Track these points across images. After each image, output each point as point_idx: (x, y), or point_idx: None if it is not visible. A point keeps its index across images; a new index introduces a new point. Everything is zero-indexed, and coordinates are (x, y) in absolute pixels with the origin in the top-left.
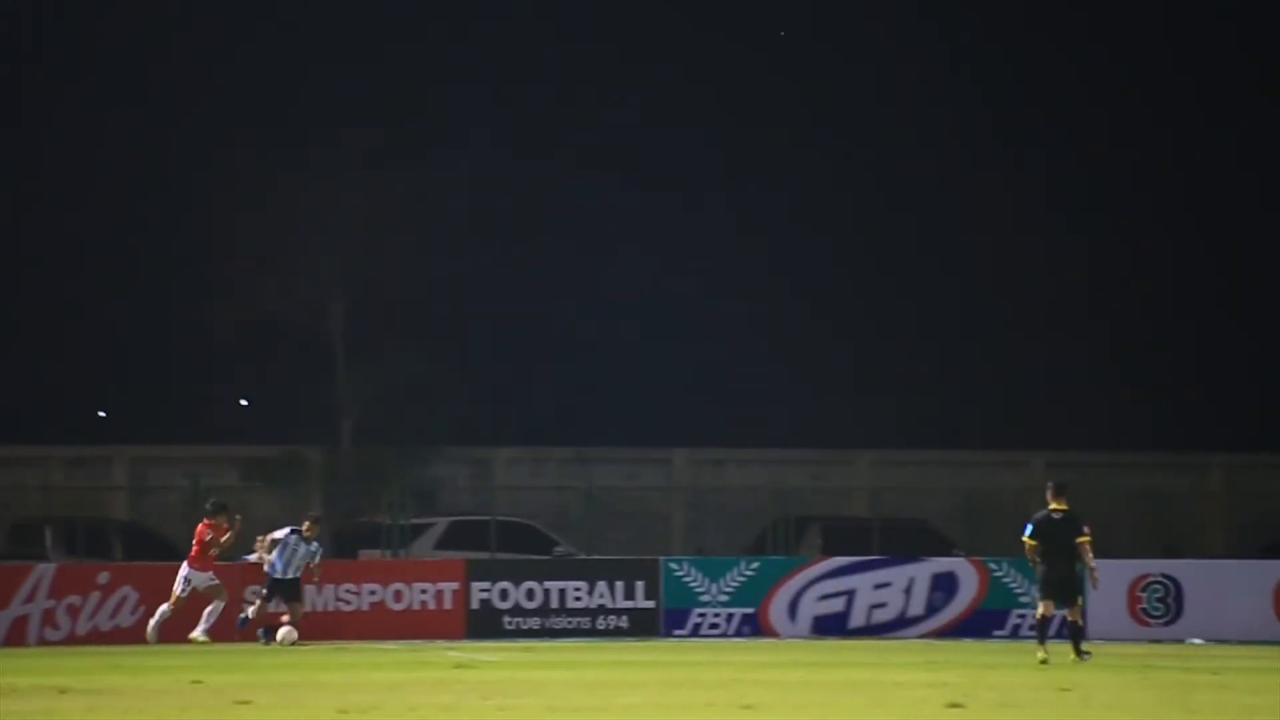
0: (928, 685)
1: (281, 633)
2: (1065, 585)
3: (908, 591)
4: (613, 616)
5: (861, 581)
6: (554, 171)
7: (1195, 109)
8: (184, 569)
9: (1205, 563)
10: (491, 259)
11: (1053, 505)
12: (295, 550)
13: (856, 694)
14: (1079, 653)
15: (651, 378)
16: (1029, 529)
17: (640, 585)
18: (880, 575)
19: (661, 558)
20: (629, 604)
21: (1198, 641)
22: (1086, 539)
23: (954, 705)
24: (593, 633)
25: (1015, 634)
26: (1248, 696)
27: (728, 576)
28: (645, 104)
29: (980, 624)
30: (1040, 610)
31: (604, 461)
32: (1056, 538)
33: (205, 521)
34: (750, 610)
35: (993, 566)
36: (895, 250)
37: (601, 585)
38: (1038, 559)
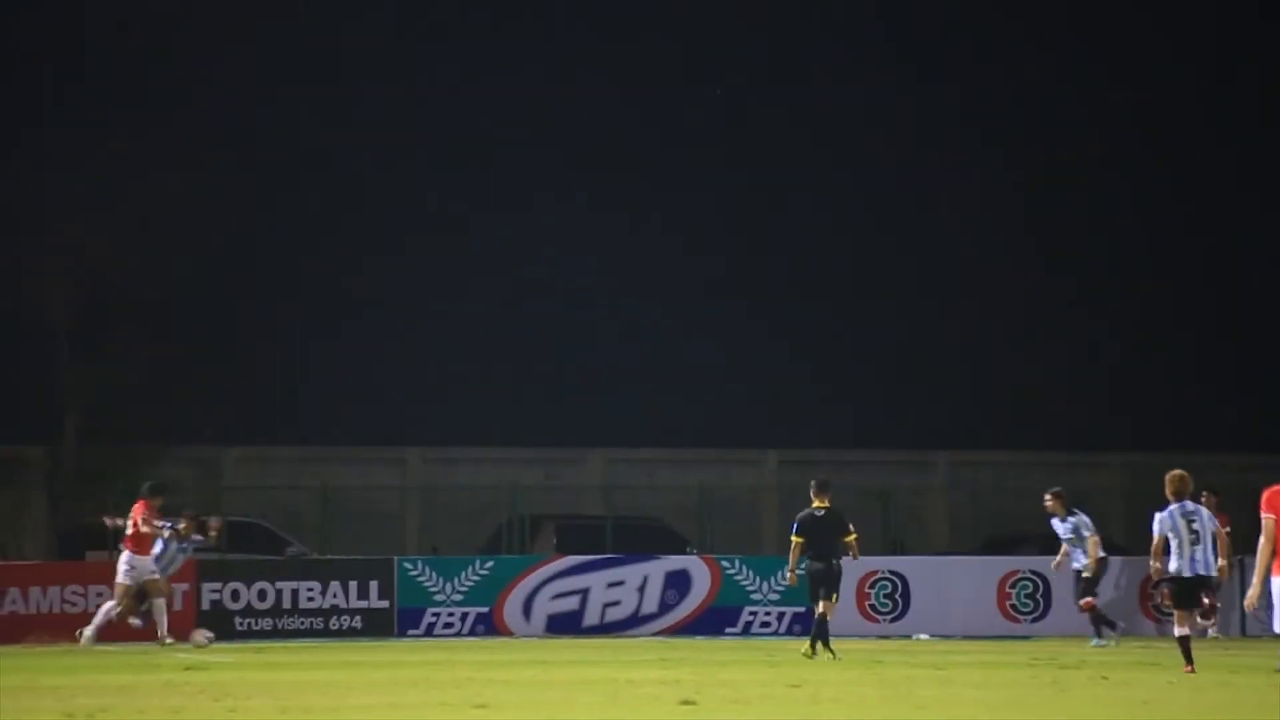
0: (660, 683)
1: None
2: (828, 582)
3: (641, 589)
4: (346, 617)
5: (595, 580)
6: (283, 172)
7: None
8: (125, 555)
9: (931, 559)
10: (226, 255)
11: (816, 503)
12: (167, 548)
13: (590, 692)
14: (826, 648)
15: (385, 377)
16: (795, 527)
17: (374, 585)
18: (614, 574)
19: (395, 557)
20: (363, 604)
21: (924, 637)
22: (854, 536)
23: (686, 703)
24: (326, 633)
25: (747, 631)
26: (971, 690)
27: (462, 576)
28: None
29: (713, 621)
30: (820, 609)
31: (337, 461)
32: (821, 535)
33: (142, 501)
34: (485, 609)
35: (725, 564)
36: (634, 252)
37: (335, 585)
38: (801, 557)
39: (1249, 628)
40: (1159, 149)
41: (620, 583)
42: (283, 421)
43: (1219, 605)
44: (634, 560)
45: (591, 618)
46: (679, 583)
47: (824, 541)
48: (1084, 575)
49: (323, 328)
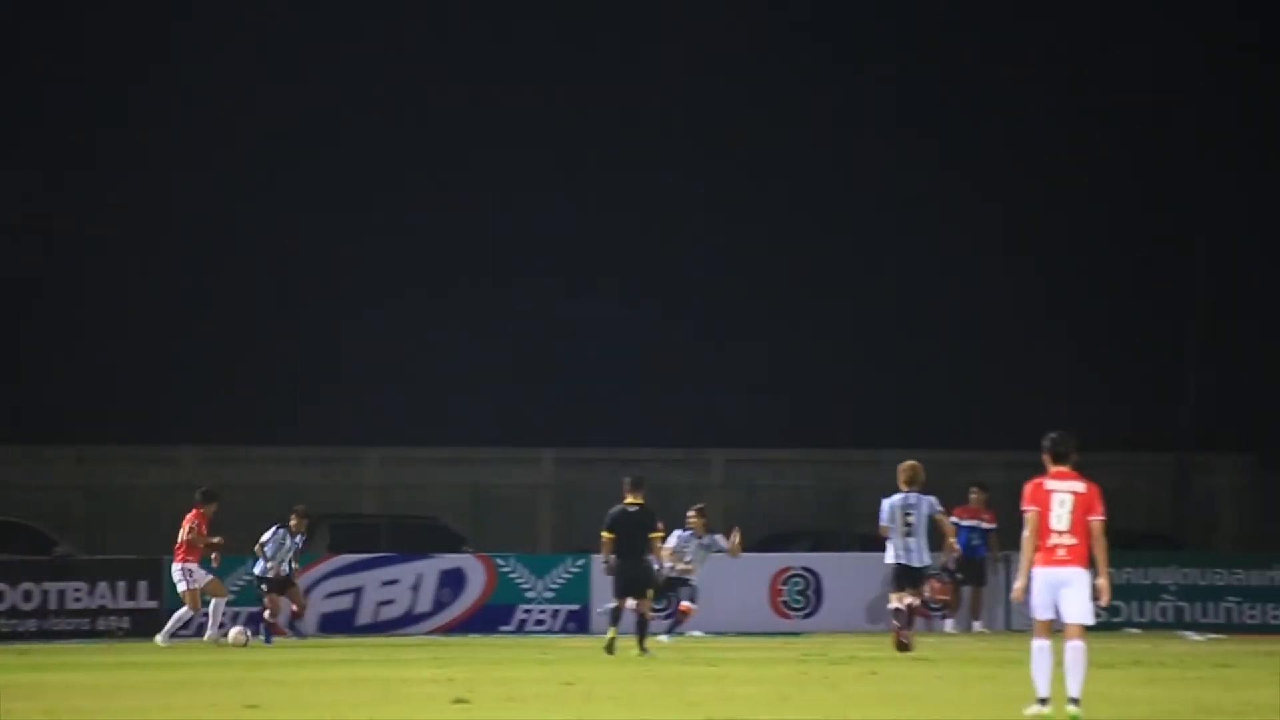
0: (434, 681)
1: (233, 633)
2: (638, 579)
3: (415, 588)
4: (114, 617)
5: (369, 578)
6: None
7: None
8: (177, 566)
9: (711, 557)
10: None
11: (629, 499)
12: (282, 545)
13: (362, 691)
14: (642, 647)
15: (158, 376)
16: (607, 522)
17: (143, 585)
18: (388, 572)
19: (165, 557)
20: (131, 604)
21: (697, 634)
22: (659, 534)
23: (459, 701)
24: (94, 634)
25: (521, 629)
26: (743, 687)
27: (234, 575)
28: None
29: (487, 619)
30: (615, 604)
31: (109, 460)
32: (632, 531)
33: (195, 510)
34: (256, 609)
35: (500, 562)
36: (413, 251)
37: (103, 586)
38: (612, 553)
39: (1014, 622)
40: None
41: (394, 581)
42: (52, 421)
43: (957, 598)
44: (408, 559)
45: (365, 616)
46: (453, 581)
47: (634, 538)
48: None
49: (97, 327)
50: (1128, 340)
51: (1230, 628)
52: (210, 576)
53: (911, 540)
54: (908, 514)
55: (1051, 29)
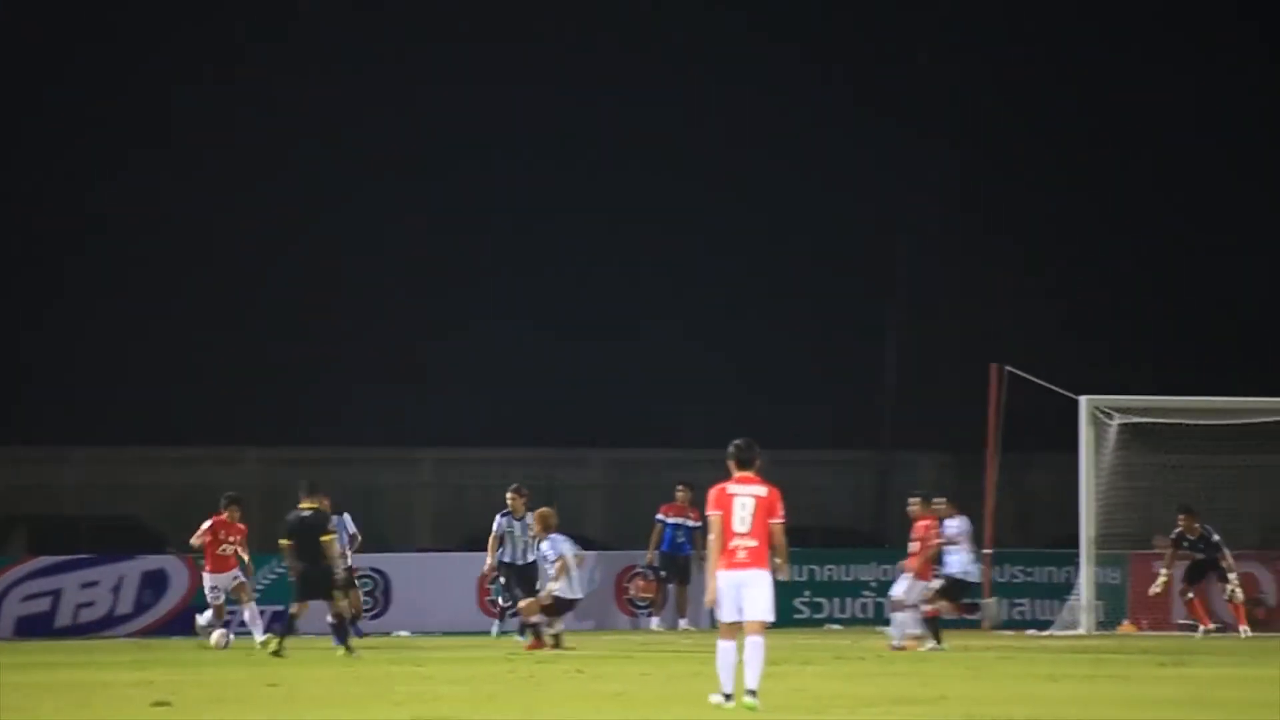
0: (134, 684)
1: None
2: (320, 582)
3: (116, 590)
4: None
5: (68, 580)
6: None
7: None
8: (206, 579)
9: (413, 556)
10: None
11: (304, 504)
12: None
13: (60, 695)
14: (346, 646)
15: None
16: (285, 529)
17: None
18: (88, 574)
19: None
20: None
21: (404, 634)
22: (330, 536)
23: (160, 704)
24: None
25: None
26: (449, 686)
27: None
28: None
29: (191, 622)
30: (294, 609)
31: None
32: (305, 536)
33: (218, 515)
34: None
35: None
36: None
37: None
38: (294, 559)
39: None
40: None
41: (94, 583)
42: None
43: (663, 595)
44: (109, 560)
45: (64, 619)
46: (156, 583)
47: (308, 542)
48: None
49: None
50: (831, 339)
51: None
52: (240, 579)
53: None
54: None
55: None
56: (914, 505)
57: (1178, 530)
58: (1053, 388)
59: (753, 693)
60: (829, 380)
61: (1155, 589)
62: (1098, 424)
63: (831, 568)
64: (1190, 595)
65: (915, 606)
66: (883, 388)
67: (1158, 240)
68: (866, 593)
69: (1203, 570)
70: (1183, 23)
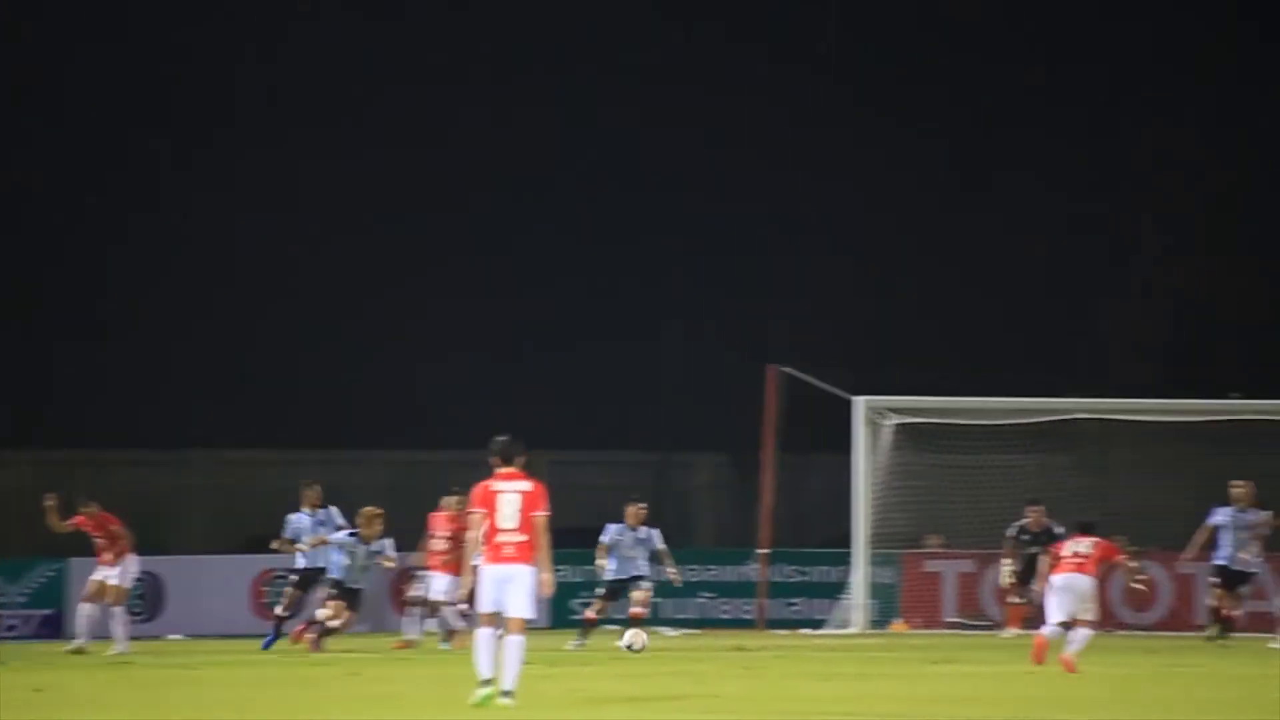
0: None
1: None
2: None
3: None
4: None
5: None
6: None
7: None
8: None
9: (186, 558)
10: None
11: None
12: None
13: None
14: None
15: None
16: None
17: None
18: None
19: None
20: None
21: (177, 637)
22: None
23: None
24: None
25: None
26: (220, 690)
27: None
28: None
29: None
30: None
31: None
32: None
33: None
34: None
35: None
36: None
37: None
38: None
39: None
40: None
41: None
42: None
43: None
44: None
45: None
46: None
47: None
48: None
49: None
50: (608, 339)
51: (704, 623)
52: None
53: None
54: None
55: None
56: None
57: (1021, 523)
58: (829, 388)
59: (509, 694)
60: (607, 381)
61: (1003, 582)
62: (874, 425)
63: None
64: (1018, 598)
65: (452, 604)
66: (660, 389)
67: (938, 243)
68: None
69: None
70: None
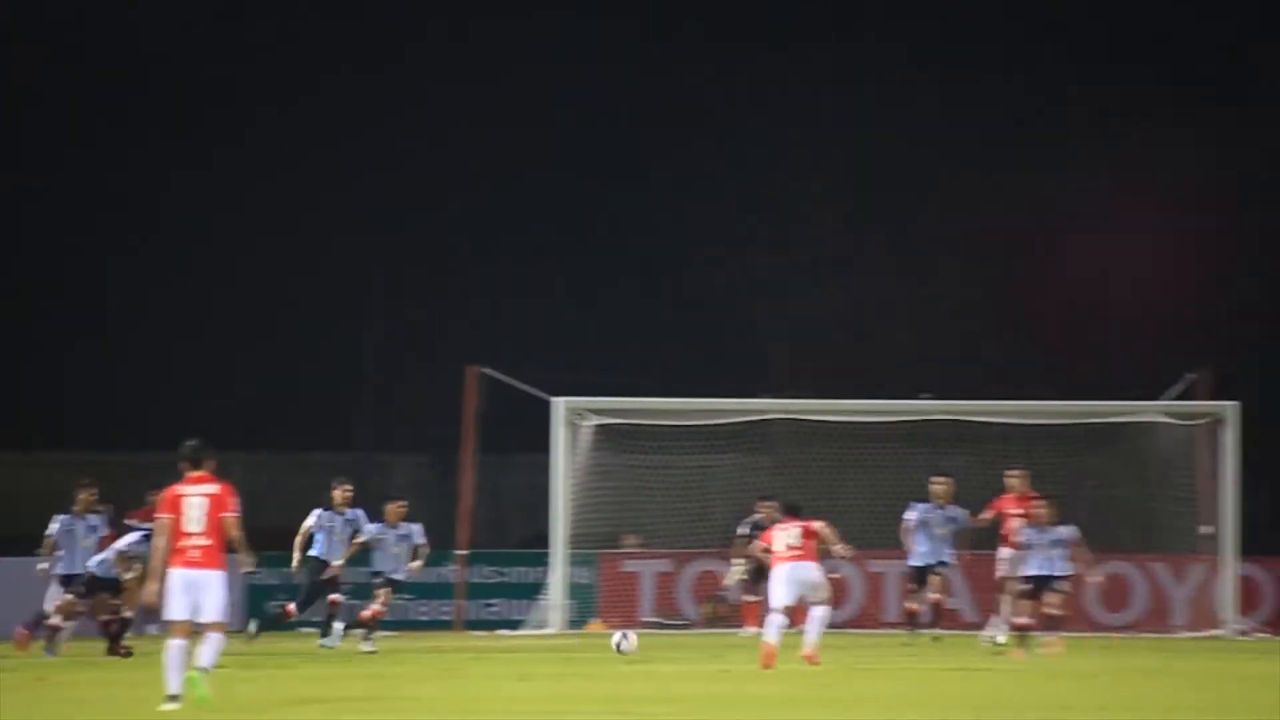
0: None
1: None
2: None
3: None
4: None
5: None
6: None
7: None
8: None
9: None
10: None
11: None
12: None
13: None
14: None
15: None
16: None
17: None
18: None
19: None
20: None
21: None
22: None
23: None
24: None
25: None
26: None
27: None
28: None
29: None
30: None
31: None
32: None
33: None
34: None
35: None
36: None
37: None
38: None
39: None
40: None
41: None
42: None
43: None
44: None
45: None
46: None
47: None
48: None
49: None
50: (306, 342)
51: (401, 625)
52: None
53: None
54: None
55: None
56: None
57: (754, 518)
58: (528, 389)
59: (205, 670)
60: (303, 381)
61: (729, 580)
62: (573, 426)
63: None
64: (753, 596)
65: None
66: (358, 389)
67: (630, 246)
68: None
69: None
70: None
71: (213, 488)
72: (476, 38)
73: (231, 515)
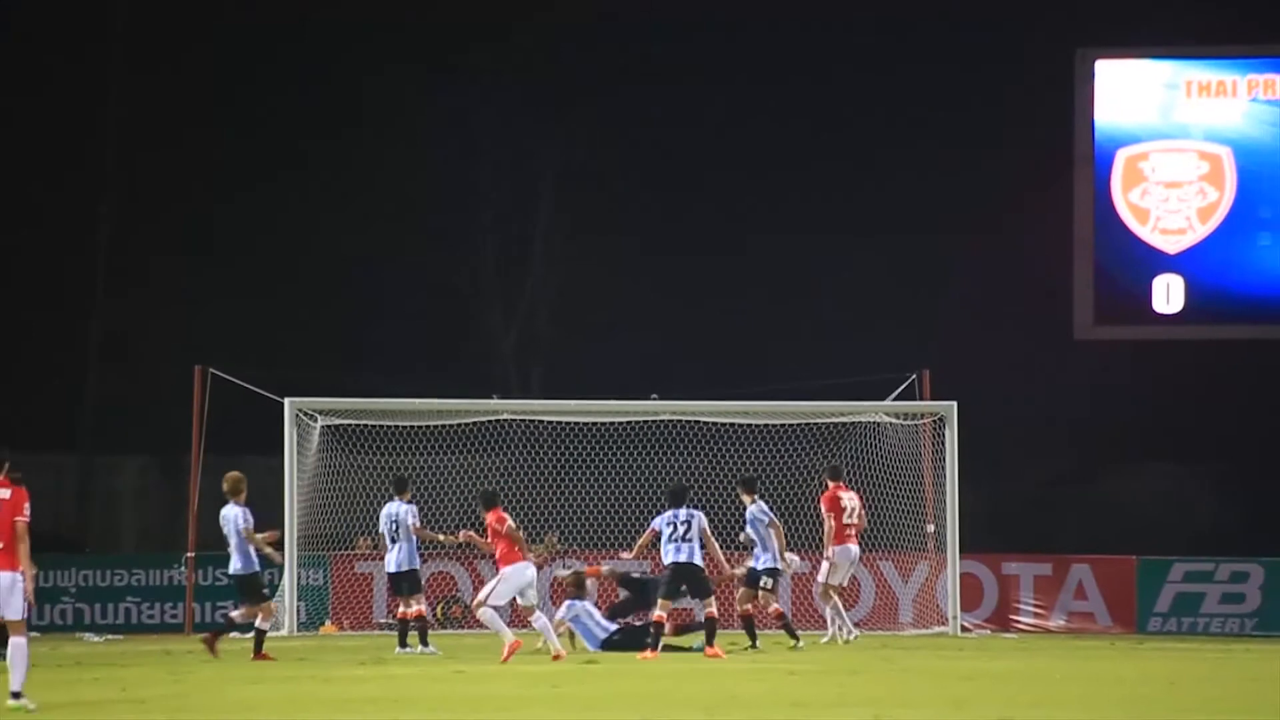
0: None
1: None
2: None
3: None
4: None
5: None
6: None
7: None
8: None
9: None
10: None
11: None
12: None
13: None
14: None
15: None
16: None
17: None
18: None
19: None
20: None
21: None
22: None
23: None
24: None
25: None
26: None
27: None
28: None
29: None
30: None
31: None
32: None
33: None
34: None
35: None
36: None
37: None
38: None
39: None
40: None
41: None
42: None
43: None
44: None
45: None
46: None
47: None
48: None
49: None
50: (32, 337)
51: (130, 628)
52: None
53: None
54: None
55: None
56: None
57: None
58: (256, 389)
59: (17, 695)
60: (31, 381)
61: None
62: (303, 426)
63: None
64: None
65: None
66: (84, 390)
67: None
68: (66, 599)
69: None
70: None
71: (5, 492)
72: None
73: (23, 520)
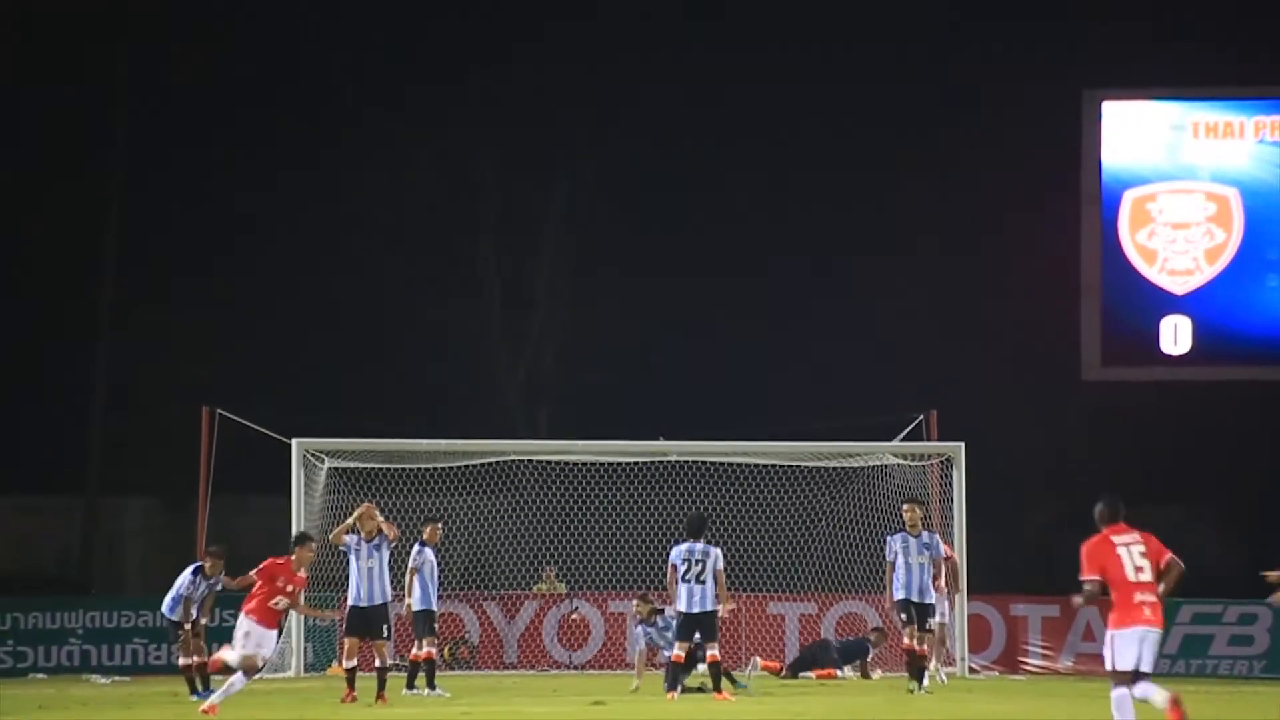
0: None
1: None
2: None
3: None
4: None
5: None
6: None
7: None
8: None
9: None
10: None
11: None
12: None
13: None
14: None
15: None
16: None
17: None
18: None
19: None
20: None
21: None
22: None
23: None
24: None
25: None
26: None
27: None
28: None
29: None
30: None
31: None
32: None
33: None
34: None
35: None
36: None
37: None
38: None
39: None
40: None
41: None
42: None
43: None
44: None
45: None
46: None
47: None
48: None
49: None
50: (36, 382)
51: (137, 669)
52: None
53: None
54: None
55: None
56: None
57: None
58: (264, 430)
59: None
60: (31, 423)
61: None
62: (310, 467)
63: (36, 615)
64: None
65: None
66: (88, 431)
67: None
68: (73, 640)
69: None
70: None
71: None
72: None
73: None
